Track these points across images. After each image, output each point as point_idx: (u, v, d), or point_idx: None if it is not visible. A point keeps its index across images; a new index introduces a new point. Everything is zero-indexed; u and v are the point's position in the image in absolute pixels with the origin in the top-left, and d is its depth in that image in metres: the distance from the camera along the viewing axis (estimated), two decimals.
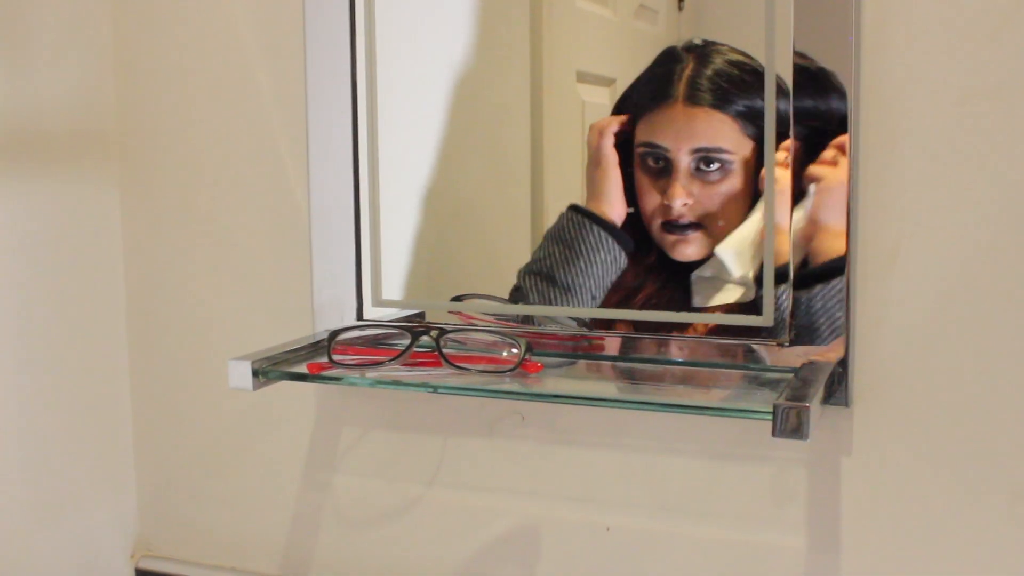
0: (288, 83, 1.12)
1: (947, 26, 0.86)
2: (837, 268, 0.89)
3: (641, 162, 0.97)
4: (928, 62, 0.86)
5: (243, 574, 1.21)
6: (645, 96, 0.97)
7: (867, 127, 0.89)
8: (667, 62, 0.95)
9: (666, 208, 0.96)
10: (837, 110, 0.88)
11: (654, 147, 0.97)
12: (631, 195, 0.98)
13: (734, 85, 0.93)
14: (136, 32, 1.20)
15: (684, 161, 0.95)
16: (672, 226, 0.97)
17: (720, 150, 0.94)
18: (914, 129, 0.87)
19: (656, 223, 0.98)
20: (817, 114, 0.88)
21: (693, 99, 0.94)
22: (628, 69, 0.98)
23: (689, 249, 0.97)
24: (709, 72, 0.94)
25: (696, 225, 0.96)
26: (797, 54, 0.88)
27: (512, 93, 1.04)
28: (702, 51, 0.94)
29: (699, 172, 0.95)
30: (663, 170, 0.96)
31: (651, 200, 0.97)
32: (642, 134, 0.97)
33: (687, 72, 0.95)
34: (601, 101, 0.99)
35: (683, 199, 0.95)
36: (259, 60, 1.14)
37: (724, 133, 0.93)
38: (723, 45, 0.94)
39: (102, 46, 1.20)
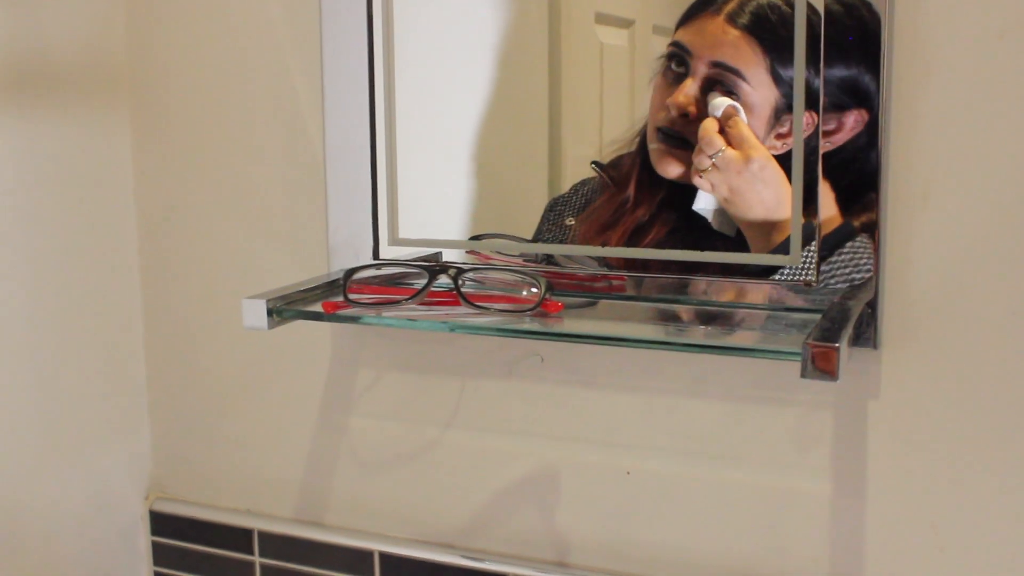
0: (303, 20, 1.09)
1: None
2: (845, 234, 0.88)
3: (664, 68, 0.95)
4: None
5: (257, 516, 1.21)
6: (696, 6, 0.94)
7: (900, 62, 0.86)
8: None
9: (666, 111, 0.94)
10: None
11: (680, 47, 0.94)
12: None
13: (780, 20, 0.89)
14: None
15: (701, 72, 0.93)
16: (663, 133, 0.95)
17: (739, 73, 0.91)
18: (949, 64, 0.85)
19: (653, 127, 0.96)
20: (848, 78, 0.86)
21: (734, 18, 0.91)
22: (647, 10, 0.96)
23: (671, 166, 0.95)
24: (763, 1, 0.91)
25: (685, 142, 0.94)
26: None
27: (530, 34, 1.02)
28: None
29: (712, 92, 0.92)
30: (679, 77, 0.94)
31: (656, 104, 0.95)
32: (676, 35, 0.94)
33: None
34: (620, 43, 0.97)
35: (684, 108, 0.93)
36: None
37: (749, 61, 0.90)
38: None
39: None
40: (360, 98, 1.06)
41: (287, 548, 1.18)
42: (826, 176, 0.88)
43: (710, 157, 0.91)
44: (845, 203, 0.88)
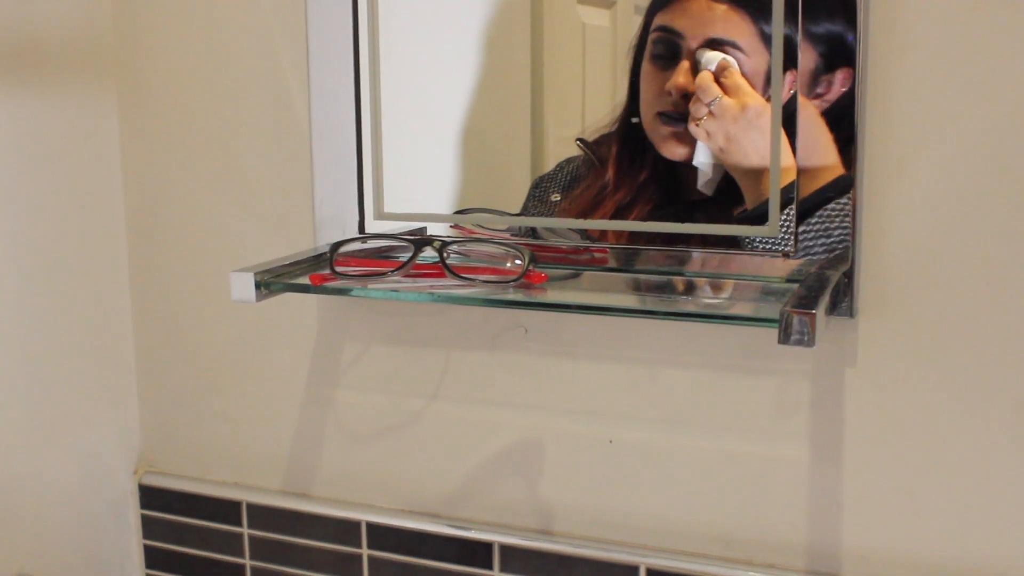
0: None
1: None
2: (843, 186, 0.89)
3: (652, 51, 0.96)
4: None
5: (246, 489, 1.22)
6: None
7: (876, 35, 0.87)
8: None
9: (665, 96, 0.95)
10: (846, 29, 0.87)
11: (668, 31, 0.95)
12: (635, 92, 0.97)
13: None
14: None
15: (695, 51, 0.94)
16: (667, 117, 0.96)
17: (735, 45, 0.92)
18: (923, 37, 0.86)
19: (651, 113, 0.97)
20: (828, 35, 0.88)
21: None
22: None
23: (679, 147, 0.96)
24: None
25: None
26: None
27: (513, 13, 1.03)
28: None
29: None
30: (671, 59, 0.95)
31: (652, 90, 0.96)
32: (659, 20, 0.95)
33: None
34: (602, 23, 0.98)
35: (685, 88, 0.94)
36: None
37: (742, 31, 0.92)
38: None
39: None
40: (345, 75, 1.06)
41: (275, 520, 1.20)
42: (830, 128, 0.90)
43: (707, 105, 0.92)
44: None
